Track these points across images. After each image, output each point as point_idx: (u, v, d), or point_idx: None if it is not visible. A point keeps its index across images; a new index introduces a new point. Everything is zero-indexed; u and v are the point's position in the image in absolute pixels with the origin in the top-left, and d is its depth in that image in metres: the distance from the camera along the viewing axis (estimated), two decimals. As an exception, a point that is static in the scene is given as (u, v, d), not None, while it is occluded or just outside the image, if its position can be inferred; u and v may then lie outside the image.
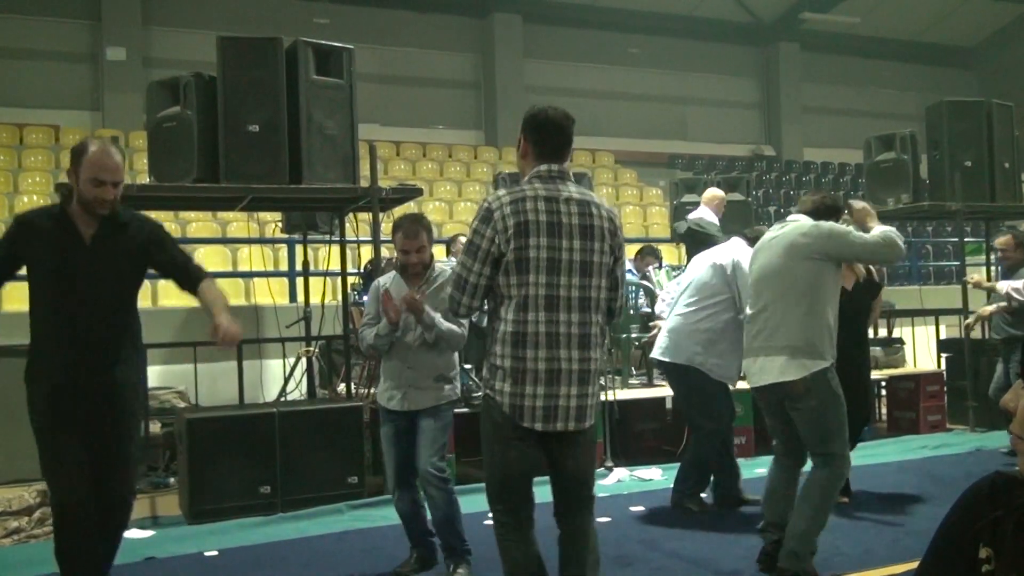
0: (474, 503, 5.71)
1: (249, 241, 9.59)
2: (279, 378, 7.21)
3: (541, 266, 2.91)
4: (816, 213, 4.27)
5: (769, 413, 4.29)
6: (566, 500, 3.14)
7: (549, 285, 2.92)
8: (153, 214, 3.52)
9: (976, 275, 8.39)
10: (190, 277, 3.69)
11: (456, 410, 6.21)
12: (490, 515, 5.69)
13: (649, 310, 7.36)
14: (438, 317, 4.12)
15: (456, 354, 4.35)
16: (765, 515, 4.29)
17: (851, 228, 4.31)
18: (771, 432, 4.40)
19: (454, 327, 4.17)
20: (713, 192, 7.99)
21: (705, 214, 7.72)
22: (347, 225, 7.05)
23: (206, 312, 3.58)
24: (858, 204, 4.69)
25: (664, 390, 6.74)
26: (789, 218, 4.38)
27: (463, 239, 9.05)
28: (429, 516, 4.28)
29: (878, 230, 4.23)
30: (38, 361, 3.51)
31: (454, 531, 4.19)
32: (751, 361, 4.22)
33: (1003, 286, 6.99)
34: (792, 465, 4.27)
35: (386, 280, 4.40)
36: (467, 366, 6.81)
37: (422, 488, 4.22)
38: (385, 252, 6.86)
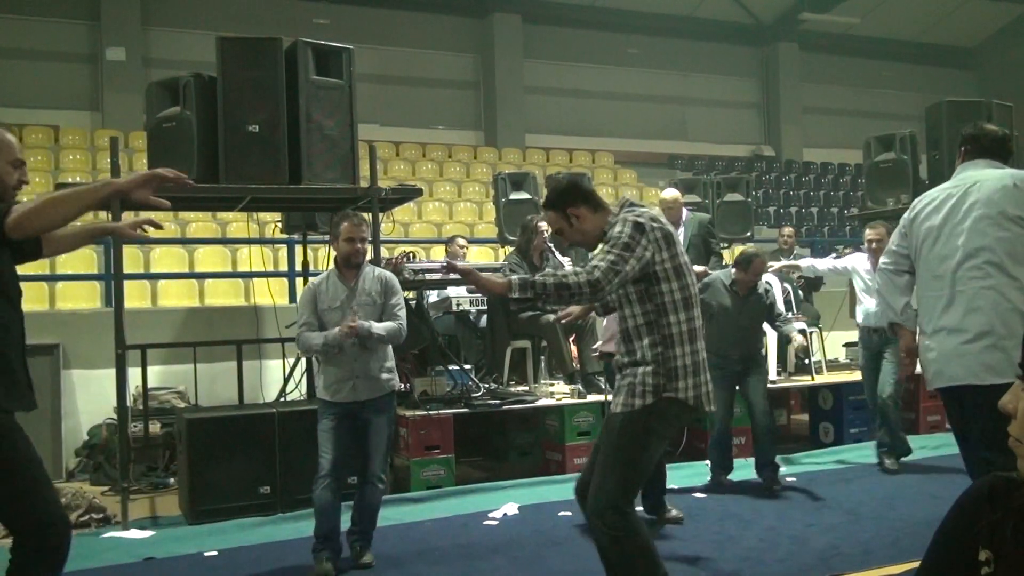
0: (474, 504, 5.71)
1: (249, 241, 9.56)
2: (279, 378, 7.21)
3: (687, 270, 3.27)
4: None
5: None
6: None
7: (692, 285, 3.30)
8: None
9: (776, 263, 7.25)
10: None
11: (455, 411, 6.27)
12: (490, 514, 5.66)
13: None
14: (375, 325, 4.41)
15: (390, 347, 4.60)
16: None
17: None
18: None
19: (391, 325, 4.48)
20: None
21: None
22: (347, 225, 7.02)
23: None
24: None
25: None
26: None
27: (461, 240, 9.07)
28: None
29: None
30: None
31: (375, 519, 4.60)
32: None
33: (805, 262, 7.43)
34: None
35: (319, 281, 4.59)
36: (467, 366, 6.80)
37: (363, 483, 4.52)
38: (384, 252, 6.85)
